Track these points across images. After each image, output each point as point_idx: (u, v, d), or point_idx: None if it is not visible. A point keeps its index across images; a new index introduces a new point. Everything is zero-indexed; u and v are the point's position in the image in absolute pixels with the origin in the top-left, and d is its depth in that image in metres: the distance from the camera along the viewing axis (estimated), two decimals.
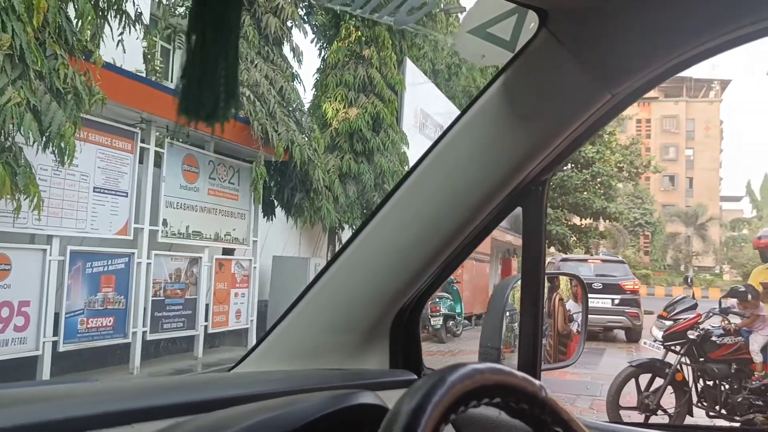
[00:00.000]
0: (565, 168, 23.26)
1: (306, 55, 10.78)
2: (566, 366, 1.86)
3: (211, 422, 0.79)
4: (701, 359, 5.93)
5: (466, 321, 14.40)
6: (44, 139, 5.01)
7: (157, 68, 9.15)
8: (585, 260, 14.82)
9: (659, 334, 6.10)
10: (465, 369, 0.61)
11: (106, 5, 6.20)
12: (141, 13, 7.24)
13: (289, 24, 9.61)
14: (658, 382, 5.92)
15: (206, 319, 8.25)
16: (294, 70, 9.73)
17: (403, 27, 12.02)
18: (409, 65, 15.10)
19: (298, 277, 10.22)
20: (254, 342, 7.44)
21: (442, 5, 16.32)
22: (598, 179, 25.52)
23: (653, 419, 5.79)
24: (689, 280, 6.91)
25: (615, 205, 27.74)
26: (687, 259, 46.24)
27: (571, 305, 2.02)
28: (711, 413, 5.90)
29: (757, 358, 5.70)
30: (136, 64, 8.16)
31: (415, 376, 1.23)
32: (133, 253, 7.08)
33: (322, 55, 13.10)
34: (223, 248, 8.87)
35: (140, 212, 7.23)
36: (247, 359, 1.26)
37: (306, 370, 1.18)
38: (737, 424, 5.75)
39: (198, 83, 0.57)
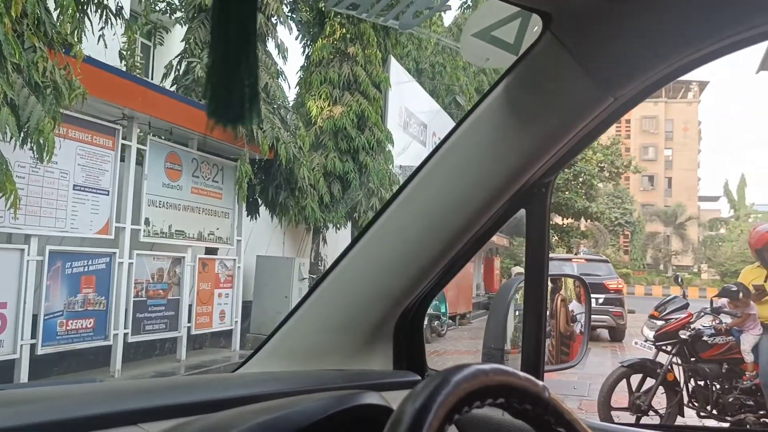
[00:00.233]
0: None
1: (290, 51, 10.65)
2: (570, 367, 1.87)
3: (216, 422, 0.79)
4: (692, 359, 5.89)
5: (451, 321, 14.35)
6: (22, 134, 4.84)
7: (138, 64, 8.97)
8: (569, 259, 14.84)
9: (650, 334, 6.07)
10: (469, 369, 0.61)
11: None
12: (122, 8, 7.06)
13: (273, 20, 9.46)
14: (649, 382, 5.89)
15: (189, 321, 8.08)
16: (279, 67, 9.58)
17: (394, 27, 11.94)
18: (394, 63, 15.01)
19: (283, 277, 10.11)
20: (239, 343, 7.33)
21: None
22: (580, 179, 25.68)
23: (645, 420, 5.75)
24: (679, 280, 6.88)
25: (596, 204, 27.92)
26: (666, 259, 46.73)
27: (575, 306, 2.01)
28: (702, 413, 5.87)
29: (748, 357, 5.67)
30: (117, 60, 7.99)
31: (419, 377, 1.24)
32: (115, 253, 6.90)
33: (306, 52, 12.95)
34: (206, 248, 8.70)
35: (122, 211, 7.04)
36: (252, 360, 1.26)
37: (310, 371, 1.18)
38: (727, 425, 5.73)
39: (225, 86, 0.57)
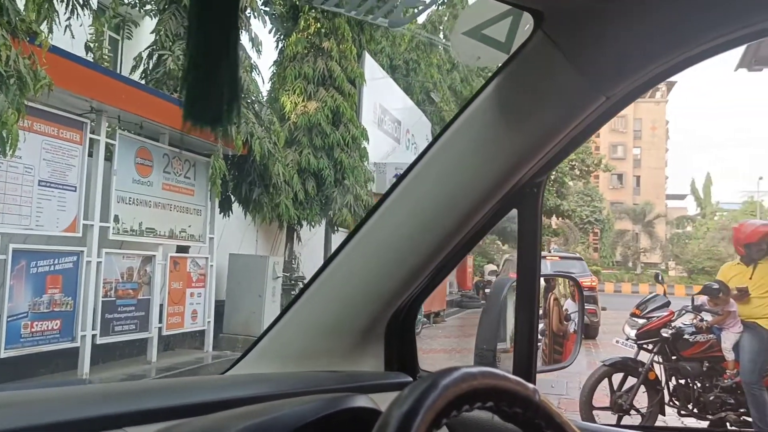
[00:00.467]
0: None
1: (263, 45, 10.43)
2: (563, 368, 1.82)
3: (204, 425, 0.78)
4: (674, 357, 5.87)
5: (425, 319, 14.27)
6: None
7: (106, 57, 8.68)
8: (543, 257, 14.80)
9: (632, 332, 6.03)
10: (458, 373, 0.60)
11: None
12: None
13: (247, 13, 9.23)
14: (631, 381, 5.86)
15: (160, 321, 7.84)
16: (252, 61, 9.35)
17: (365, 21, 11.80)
18: (368, 59, 14.86)
19: (257, 276, 9.90)
20: (212, 344, 7.11)
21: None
22: (552, 177, 25.87)
23: (627, 420, 5.71)
24: (660, 278, 6.87)
25: (567, 202, 28.14)
26: (635, 256, 47.37)
27: (570, 305, 2.05)
28: (683, 412, 5.86)
29: (729, 356, 5.66)
30: (84, 52, 7.70)
31: (410, 379, 1.23)
32: (82, 252, 6.64)
33: (280, 46, 12.72)
34: (178, 246, 8.45)
35: (90, 208, 6.77)
36: (242, 361, 1.26)
37: (301, 373, 1.18)
38: (706, 423, 5.72)
39: (202, 87, 0.56)
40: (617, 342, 6.24)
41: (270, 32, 12.71)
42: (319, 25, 11.95)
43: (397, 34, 19.34)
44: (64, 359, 6.70)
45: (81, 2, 6.42)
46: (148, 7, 9.39)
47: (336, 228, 12.50)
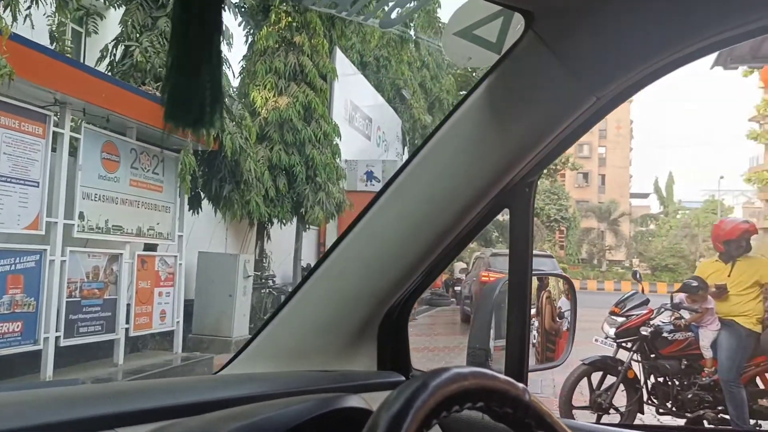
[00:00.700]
0: None
1: (234, 38, 10.16)
2: (554, 366, 1.83)
3: (196, 426, 0.78)
4: (652, 356, 5.85)
5: None
6: None
7: (68, 48, 8.37)
8: None
9: (611, 331, 5.99)
10: (448, 373, 0.60)
11: None
12: None
13: None
14: (610, 379, 5.83)
15: (128, 322, 7.56)
16: (223, 54, 9.09)
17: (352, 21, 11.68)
18: (339, 55, 14.70)
19: (227, 275, 9.68)
20: (181, 345, 6.88)
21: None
22: None
23: (606, 419, 5.67)
24: (638, 276, 6.86)
25: (535, 200, 28.35)
26: (601, 254, 48.00)
27: (564, 303, 2.03)
28: (661, 410, 5.85)
29: (707, 353, 5.66)
30: (47, 43, 7.39)
31: (403, 378, 1.24)
32: (45, 250, 6.34)
33: (250, 40, 12.47)
34: (145, 244, 8.18)
35: (53, 204, 6.47)
36: (235, 361, 1.25)
37: (294, 372, 1.18)
38: (682, 421, 5.72)
39: (183, 88, 0.56)
40: (596, 340, 6.20)
41: (240, 25, 12.43)
42: (290, 19, 11.74)
43: (368, 31, 19.19)
44: (26, 362, 6.40)
45: None
46: None
47: (307, 226, 12.30)
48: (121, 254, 7.46)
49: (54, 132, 6.42)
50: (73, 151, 6.83)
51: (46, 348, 6.36)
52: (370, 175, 15.66)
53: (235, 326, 9.58)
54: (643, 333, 5.78)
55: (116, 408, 0.83)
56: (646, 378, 5.90)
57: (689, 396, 5.70)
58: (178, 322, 8.44)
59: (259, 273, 11.60)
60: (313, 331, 1.22)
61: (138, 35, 7.99)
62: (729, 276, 5.66)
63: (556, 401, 5.78)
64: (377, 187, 15.66)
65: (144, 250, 8.13)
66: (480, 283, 13.37)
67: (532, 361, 1.37)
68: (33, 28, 6.28)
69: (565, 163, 31.64)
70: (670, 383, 5.80)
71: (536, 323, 1.78)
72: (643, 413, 5.82)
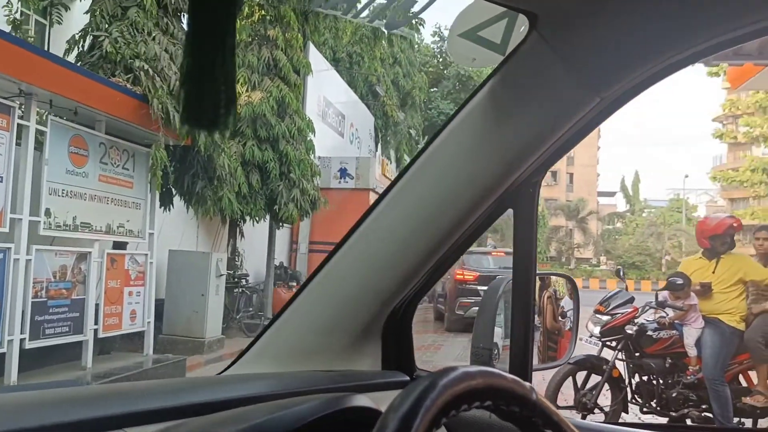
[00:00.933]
0: None
1: None
2: (558, 365, 2.11)
3: (202, 426, 0.79)
4: (637, 354, 5.81)
5: None
6: None
7: (31, 38, 8.02)
8: (489, 253, 14.88)
9: (596, 330, 5.93)
10: (456, 373, 0.61)
11: None
12: None
13: None
14: (594, 378, 5.77)
15: (96, 322, 7.27)
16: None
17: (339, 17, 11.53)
18: (313, 51, 14.50)
19: (199, 274, 9.44)
20: (151, 346, 6.65)
21: None
22: None
23: (590, 418, 5.61)
24: (621, 273, 6.82)
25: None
26: (569, 251, 48.51)
27: (566, 302, 2.03)
28: (645, 409, 5.80)
29: (692, 352, 5.63)
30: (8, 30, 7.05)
31: (408, 378, 1.25)
32: (9, 248, 6.03)
33: None
34: (115, 242, 7.88)
35: (18, 200, 6.16)
36: (240, 361, 1.25)
37: (299, 372, 1.19)
38: (665, 420, 5.68)
39: (198, 91, 0.57)
40: (580, 339, 6.12)
41: None
42: (263, 12, 11.51)
43: (341, 27, 18.98)
44: None
45: None
46: None
47: (281, 224, 12.08)
48: (90, 252, 7.17)
49: (19, 124, 6.11)
50: (39, 145, 6.52)
51: (10, 351, 6.06)
52: (344, 173, 15.47)
53: (207, 327, 9.33)
54: (629, 331, 5.73)
55: (124, 408, 0.83)
56: (631, 377, 5.85)
57: (673, 395, 5.66)
58: (149, 322, 8.16)
59: (231, 272, 11.35)
60: (317, 331, 1.21)
61: (107, 25, 7.68)
62: (714, 273, 5.64)
63: None
64: (351, 184, 15.49)
65: (113, 248, 7.84)
66: (454, 281, 13.30)
67: (534, 360, 1.35)
68: None
69: None
70: (654, 382, 5.76)
71: (538, 323, 1.77)
72: (627, 413, 5.78)
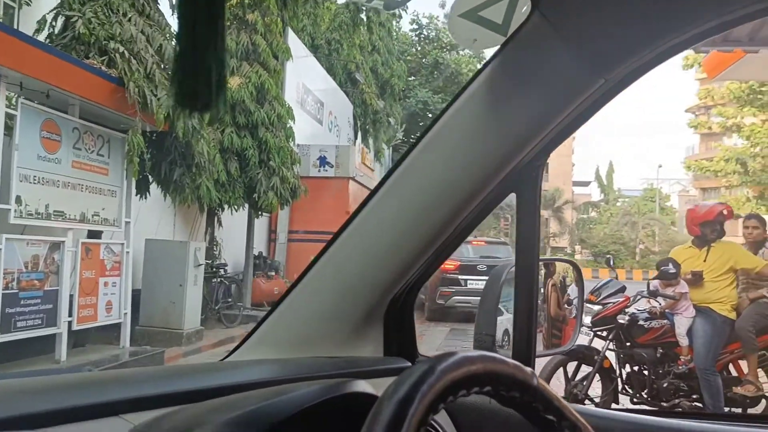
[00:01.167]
0: None
1: None
2: (562, 351, 2.02)
3: (202, 412, 0.78)
4: (628, 344, 5.74)
5: None
6: None
7: None
8: (469, 242, 14.79)
9: (586, 319, 5.84)
10: (455, 357, 0.60)
11: None
12: None
13: None
14: (585, 369, 5.70)
15: (70, 314, 7.01)
16: (173, 29, 8.54)
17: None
18: (292, 36, 14.23)
19: (176, 263, 9.19)
20: (128, 339, 6.44)
21: None
22: None
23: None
24: (611, 262, 6.75)
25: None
26: (545, 240, 48.75)
27: (573, 290, 2.03)
28: (635, 399, 5.75)
29: (683, 341, 5.58)
30: None
31: (409, 364, 1.24)
32: None
33: None
34: (89, 231, 7.61)
35: None
36: (241, 348, 1.25)
37: (300, 359, 1.18)
38: (652, 409, 5.64)
39: (192, 74, 0.57)
40: None
41: None
42: None
43: (319, 13, 18.69)
44: None
45: None
46: None
47: (260, 213, 11.85)
48: (63, 242, 6.91)
49: None
50: (9, 130, 6.23)
51: None
52: (323, 161, 15.25)
53: (186, 318, 9.10)
54: (620, 321, 5.65)
55: (123, 394, 0.83)
56: (621, 367, 5.79)
57: (664, 385, 5.61)
58: (125, 313, 7.92)
59: (210, 261, 11.10)
60: (318, 318, 1.20)
61: (80, 6, 7.37)
62: (705, 261, 5.59)
63: None
64: (330, 173, 15.27)
65: (88, 237, 7.58)
66: (438, 270, 13.21)
67: (539, 347, 1.35)
68: None
69: None
70: (645, 372, 5.71)
71: (542, 311, 1.79)
72: (618, 403, 5.71)
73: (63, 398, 0.79)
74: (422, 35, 29.85)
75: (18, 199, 6.26)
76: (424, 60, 28.66)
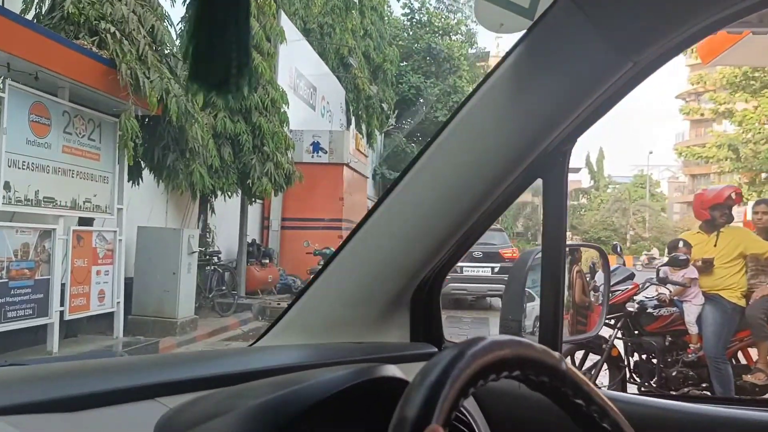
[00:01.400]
0: None
1: None
2: (588, 338, 1.96)
3: (232, 395, 0.79)
4: (636, 332, 5.63)
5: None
6: None
7: None
8: None
9: None
10: (485, 342, 0.61)
11: None
12: None
13: None
14: (592, 357, 5.60)
15: (62, 304, 6.83)
16: (164, 10, 8.29)
17: None
18: (284, 20, 13.97)
19: (170, 252, 8.98)
20: (121, 329, 6.30)
21: None
22: None
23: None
24: (618, 249, 6.63)
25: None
26: (536, 227, 48.85)
27: (599, 277, 1.97)
28: (643, 388, 5.65)
29: (692, 329, 5.48)
30: None
31: (436, 349, 1.24)
32: None
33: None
34: (81, 218, 7.40)
35: None
36: (269, 333, 1.26)
37: (327, 344, 1.19)
38: (679, 394, 5.54)
39: (208, 48, 0.53)
40: None
41: None
42: None
43: None
44: None
45: None
46: None
47: (254, 199, 11.64)
48: (54, 229, 6.71)
49: None
50: None
51: None
52: (317, 147, 15.02)
53: (179, 307, 8.90)
54: (629, 309, 5.54)
55: (156, 378, 0.85)
56: (629, 355, 5.68)
57: (673, 373, 5.51)
58: (118, 303, 7.74)
59: (203, 249, 10.89)
60: (345, 303, 1.21)
61: None
62: (715, 246, 5.48)
63: None
64: (324, 158, 15.06)
65: (79, 224, 7.38)
66: None
67: (565, 333, 1.33)
68: None
69: None
70: (654, 360, 5.61)
71: (567, 295, 1.75)
72: (626, 392, 5.60)
73: (99, 382, 0.81)
74: (414, 20, 29.53)
75: (6, 185, 6.05)
76: (416, 45, 28.36)
